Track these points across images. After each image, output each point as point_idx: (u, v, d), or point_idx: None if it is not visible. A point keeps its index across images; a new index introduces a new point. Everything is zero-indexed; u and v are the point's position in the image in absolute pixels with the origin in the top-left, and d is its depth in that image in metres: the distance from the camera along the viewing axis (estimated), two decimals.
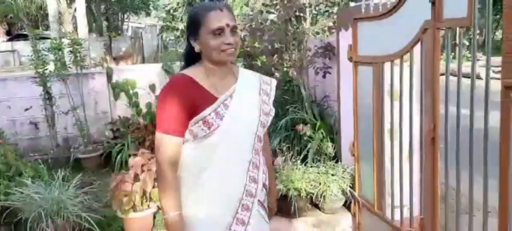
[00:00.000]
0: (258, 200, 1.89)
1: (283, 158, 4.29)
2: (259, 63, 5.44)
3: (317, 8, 5.41)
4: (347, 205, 3.96)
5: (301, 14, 5.06)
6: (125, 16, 22.46)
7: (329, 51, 4.88)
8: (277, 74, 5.51)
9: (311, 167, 4.11)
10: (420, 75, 2.76)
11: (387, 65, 3.10)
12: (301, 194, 3.81)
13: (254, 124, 1.85)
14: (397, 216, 3.17)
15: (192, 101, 1.72)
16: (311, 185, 3.89)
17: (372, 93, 3.29)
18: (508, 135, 2.06)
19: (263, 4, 5.38)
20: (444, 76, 2.51)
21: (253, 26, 5.35)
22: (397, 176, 3.12)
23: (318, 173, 3.97)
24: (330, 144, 4.51)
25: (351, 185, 3.82)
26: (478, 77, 2.24)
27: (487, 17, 2.14)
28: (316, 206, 4.05)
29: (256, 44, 5.21)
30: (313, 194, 3.88)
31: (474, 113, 2.33)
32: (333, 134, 4.64)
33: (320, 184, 3.87)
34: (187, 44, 1.84)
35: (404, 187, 3.07)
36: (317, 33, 5.09)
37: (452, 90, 2.49)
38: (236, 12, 6.13)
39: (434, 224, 2.72)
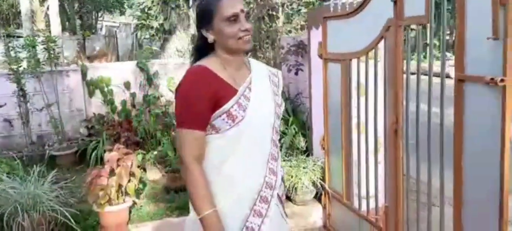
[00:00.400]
0: (277, 194, 1.84)
1: None
2: None
3: (289, 7, 5.55)
4: (318, 197, 4.10)
5: (274, 13, 5.19)
6: (99, 14, 22.24)
7: (302, 49, 5.02)
8: None
9: (284, 160, 4.24)
10: (385, 71, 2.92)
11: (354, 62, 3.25)
12: None
13: (271, 115, 1.81)
14: (364, 206, 3.33)
15: (214, 93, 1.66)
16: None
17: (340, 89, 3.44)
18: (461, 127, 2.22)
19: None
20: (413, 75, 2.66)
21: None
22: (364, 167, 3.28)
23: (290, 167, 4.10)
24: (302, 138, 4.66)
25: (321, 178, 3.96)
26: (448, 76, 2.34)
27: (443, 16, 2.30)
28: (288, 198, 4.18)
29: None
30: (285, 186, 4.01)
31: (438, 110, 2.48)
32: (305, 129, 4.79)
33: (292, 177, 4.00)
34: (199, 36, 1.77)
35: (370, 178, 3.23)
36: (290, 31, 5.24)
37: (423, 88, 2.63)
38: None
39: (397, 210, 2.88)
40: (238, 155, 1.72)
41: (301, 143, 4.62)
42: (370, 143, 3.20)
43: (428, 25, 2.42)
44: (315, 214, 4.04)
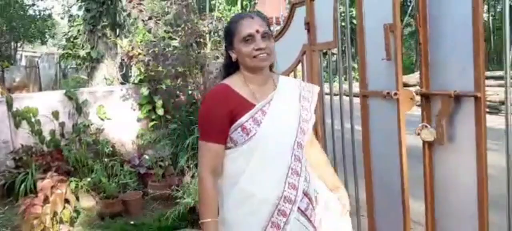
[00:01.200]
0: (299, 208, 1.84)
1: (191, 174, 4.60)
2: (163, 86, 5.73)
3: (216, 35, 5.85)
4: None
5: (202, 40, 5.46)
6: (18, 45, 21.41)
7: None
8: (182, 97, 5.82)
9: None
10: None
11: None
12: None
13: (293, 131, 1.86)
14: None
15: (231, 109, 1.77)
16: None
17: None
18: (368, 139, 2.56)
19: (165, 31, 5.70)
20: (336, 96, 2.98)
21: (156, 51, 5.64)
22: None
23: None
24: None
25: None
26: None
27: (347, 42, 2.67)
28: None
29: (160, 69, 5.50)
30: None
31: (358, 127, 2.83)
32: None
33: None
34: (226, 55, 1.91)
35: None
36: (217, 57, 5.52)
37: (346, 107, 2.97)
38: (139, 38, 6.36)
39: None
40: (253, 168, 1.80)
41: None
42: None
43: (344, 49, 2.79)
44: None
